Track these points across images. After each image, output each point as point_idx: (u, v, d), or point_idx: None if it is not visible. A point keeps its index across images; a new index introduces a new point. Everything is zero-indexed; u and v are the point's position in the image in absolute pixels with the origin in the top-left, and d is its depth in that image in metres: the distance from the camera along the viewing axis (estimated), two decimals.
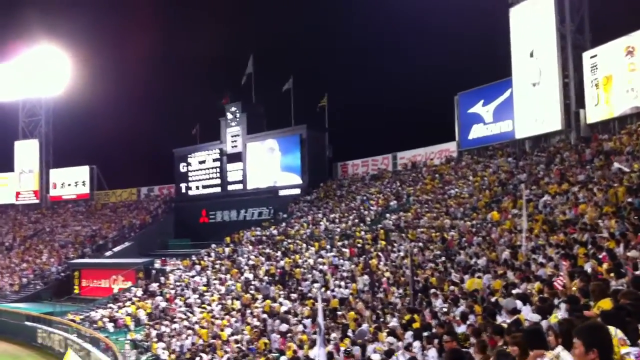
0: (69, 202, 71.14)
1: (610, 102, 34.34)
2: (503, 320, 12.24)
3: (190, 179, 59.38)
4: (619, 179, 23.89)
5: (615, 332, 4.86)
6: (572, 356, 4.51)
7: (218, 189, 57.30)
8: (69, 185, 71.02)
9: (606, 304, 8.75)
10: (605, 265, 14.14)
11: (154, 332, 31.66)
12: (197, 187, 58.82)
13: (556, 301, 11.80)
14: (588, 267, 14.80)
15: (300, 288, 30.72)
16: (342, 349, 17.18)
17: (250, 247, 41.91)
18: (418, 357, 13.40)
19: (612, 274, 12.36)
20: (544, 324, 9.59)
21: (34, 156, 72.00)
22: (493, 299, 16.42)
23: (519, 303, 13.00)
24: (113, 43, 71.65)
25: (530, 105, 38.26)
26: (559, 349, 6.06)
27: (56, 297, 50.18)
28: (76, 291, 51.60)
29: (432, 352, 12.63)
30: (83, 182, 70.30)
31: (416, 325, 16.45)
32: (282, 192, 52.95)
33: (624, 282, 11.93)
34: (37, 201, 72.09)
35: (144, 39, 66.51)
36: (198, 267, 41.64)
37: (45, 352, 38.30)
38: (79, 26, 68.64)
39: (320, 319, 15.53)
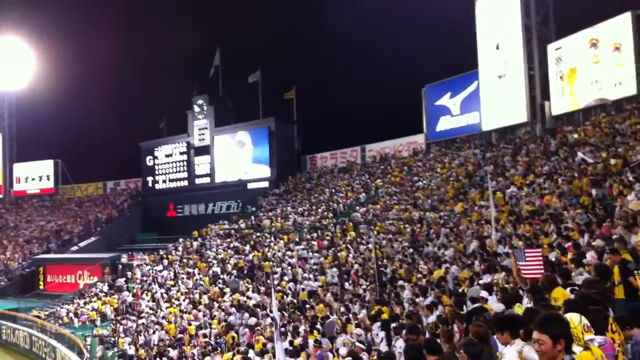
0: (33, 197, 69.97)
1: (574, 94, 34.76)
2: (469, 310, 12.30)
3: (157, 172, 58.75)
4: (583, 170, 24.18)
5: (580, 319, 4.84)
6: (535, 350, 4.40)
7: (185, 183, 56.83)
8: (33, 179, 69.82)
9: (559, 293, 8.85)
10: (569, 255, 14.32)
11: (120, 327, 31.39)
12: (164, 181, 58.23)
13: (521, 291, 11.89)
14: (552, 257, 14.97)
15: (269, 281, 30.62)
16: (311, 340, 17.17)
17: (219, 241, 41.67)
18: (382, 347, 13.44)
19: (573, 264, 12.52)
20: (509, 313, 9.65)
21: None
22: (460, 290, 16.53)
23: (484, 293, 13.09)
24: (78, 36, 70.54)
25: (497, 97, 38.62)
26: (522, 344, 6.06)
27: (21, 293, 49.38)
28: (41, 287, 50.86)
29: (400, 343, 12.64)
30: (47, 176, 69.16)
31: (385, 316, 16.48)
32: (250, 186, 52.67)
33: (582, 270, 12.10)
34: (1, 196, 70.68)
35: (109, 32, 65.78)
36: (165, 262, 41.31)
37: (10, 348, 37.67)
38: (43, 19, 67.49)
39: (275, 312, 15.41)
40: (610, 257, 11.12)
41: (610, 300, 8.41)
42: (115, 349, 29.10)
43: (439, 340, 9.25)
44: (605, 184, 21.27)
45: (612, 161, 23.17)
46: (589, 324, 4.88)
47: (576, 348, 4.48)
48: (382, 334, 14.21)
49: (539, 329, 4.32)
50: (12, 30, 65.67)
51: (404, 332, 12.58)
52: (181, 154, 57.10)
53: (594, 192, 20.91)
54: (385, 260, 25.59)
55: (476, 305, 11.65)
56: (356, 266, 26.88)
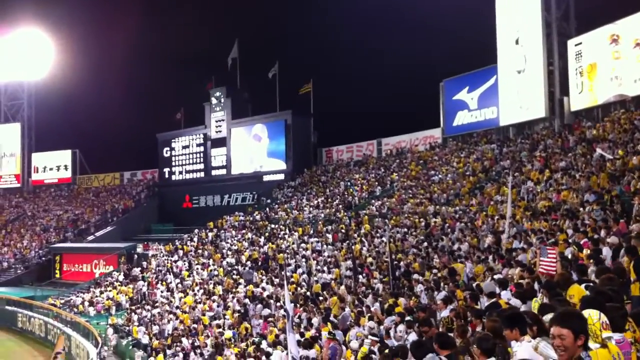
0: (51, 186, 70.54)
1: (594, 89, 34.40)
2: (484, 304, 12.20)
3: (173, 163, 59.05)
4: (601, 166, 23.95)
5: (600, 316, 4.76)
6: (556, 346, 4.32)
7: (202, 174, 57.06)
8: (51, 169, 70.36)
9: (574, 290, 8.74)
10: (586, 252, 14.17)
11: (135, 317, 31.56)
12: (181, 172, 58.52)
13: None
14: (568, 253, 14.84)
15: (283, 273, 30.62)
16: (325, 332, 17.15)
17: (234, 232, 41.77)
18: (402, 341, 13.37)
19: (591, 260, 12.39)
20: (524, 308, 9.58)
21: (15, 140, 71.11)
22: (474, 284, 16.41)
23: (498, 288, 12.99)
24: (97, 27, 71.04)
25: (515, 93, 38.31)
26: (537, 339, 5.98)
27: (37, 282, 49.89)
28: (57, 275, 51.30)
29: (413, 336, 12.58)
30: (65, 166, 69.68)
31: (399, 309, 16.42)
32: (266, 178, 52.79)
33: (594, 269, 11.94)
34: (19, 185, 71.36)
35: (128, 23, 65.97)
36: (181, 252, 41.47)
37: (25, 336, 38.08)
38: (63, 10, 67.94)
39: (287, 303, 15.36)
40: (627, 256, 10.98)
41: (627, 297, 8.32)
42: (130, 338, 29.29)
43: (451, 335, 9.19)
44: (623, 181, 21.04)
45: (629, 157, 22.91)
46: (607, 322, 4.80)
47: (593, 345, 4.42)
48: (402, 326, 14.13)
49: (560, 324, 4.24)
50: (31, 21, 66.11)
51: (417, 325, 12.52)
52: (198, 145, 57.32)
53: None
54: (399, 254, 25.51)
55: (492, 300, 11.53)
56: (370, 259, 26.82)
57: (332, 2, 62.77)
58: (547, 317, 6.21)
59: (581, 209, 20.14)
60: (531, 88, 37.20)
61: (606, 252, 13.49)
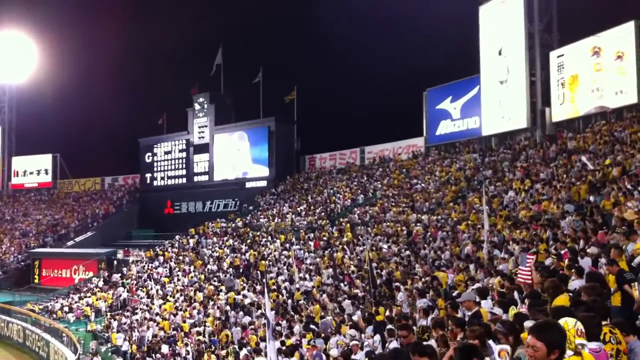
0: (31, 191, 69.82)
1: (575, 101, 34.75)
2: (463, 313, 12.22)
3: (155, 169, 58.72)
4: (581, 177, 24.12)
5: (575, 324, 4.76)
6: (528, 355, 4.31)
7: (184, 180, 56.81)
8: (31, 173, 69.68)
9: (562, 300, 8.73)
10: (566, 262, 14.24)
11: (114, 323, 31.30)
12: (163, 178, 58.21)
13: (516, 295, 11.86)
14: (548, 263, 14.90)
15: (264, 280, 30.55)
16: (305, 341, 17.13)
17: (215, 239, 41.60)
18: (379, 350, 13.37)
19: (572, 270, 12.43)
20: (505, 317, 9.61)
21: None
22: (455, 293, 16.46)
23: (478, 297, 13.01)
24: (80, 31, 70.57)
25: (497, 103, 38.59)
26: (518, 350, 6.01)
27: (16, 287, 49.31)
28: (36, 281, 50.77)
29: (394, 345, 12.59)
30: (46, 170, 69.04)
31: (380, 317, 16.44)
32: (248, 184, 52.70)
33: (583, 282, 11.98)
34: None
35: (111, 28, 65.70)
36: (161, 258, 41.21)
37: (3, 341, 37.61)
38: (46, 13, 67.54)
39: (268, 311, 15.33)
40: (608, 268, 11.04)
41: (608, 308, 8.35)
42: (109, 345, 29.04)
43: (431, 343, 9.20)
44: (604, 191, 21.19)
45: (611, 168, 23.09)
46: (583, 329, 4.80)
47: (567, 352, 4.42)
48: (377, 337, 14.14)
49: (535, 335, 4.20)
50: (15, 24, 65.57)
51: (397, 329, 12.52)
52: (180, 151, 57.08)
53: (591, 198, 20.85)
54: (381, 262, 25.54)
55: (474, 310, 11.54)
56: (352, 267, 26.82)
57: (318, 11, 62.96)
58: (528, 324, 6.23)
59: (562, 221, 20.24)
60: (513, 99, 37.49)
61: (585, 262, 13.56)
